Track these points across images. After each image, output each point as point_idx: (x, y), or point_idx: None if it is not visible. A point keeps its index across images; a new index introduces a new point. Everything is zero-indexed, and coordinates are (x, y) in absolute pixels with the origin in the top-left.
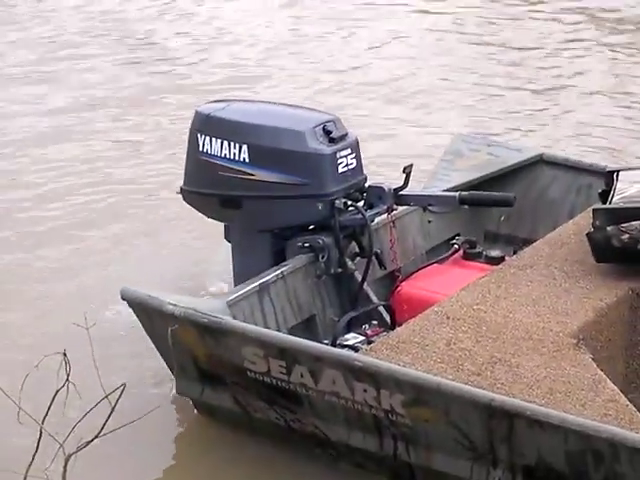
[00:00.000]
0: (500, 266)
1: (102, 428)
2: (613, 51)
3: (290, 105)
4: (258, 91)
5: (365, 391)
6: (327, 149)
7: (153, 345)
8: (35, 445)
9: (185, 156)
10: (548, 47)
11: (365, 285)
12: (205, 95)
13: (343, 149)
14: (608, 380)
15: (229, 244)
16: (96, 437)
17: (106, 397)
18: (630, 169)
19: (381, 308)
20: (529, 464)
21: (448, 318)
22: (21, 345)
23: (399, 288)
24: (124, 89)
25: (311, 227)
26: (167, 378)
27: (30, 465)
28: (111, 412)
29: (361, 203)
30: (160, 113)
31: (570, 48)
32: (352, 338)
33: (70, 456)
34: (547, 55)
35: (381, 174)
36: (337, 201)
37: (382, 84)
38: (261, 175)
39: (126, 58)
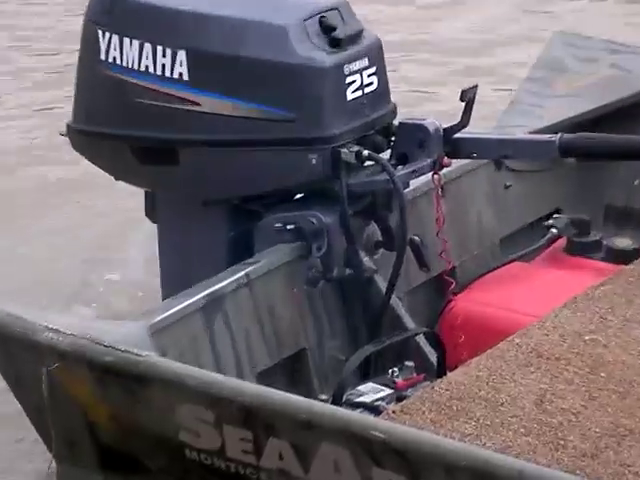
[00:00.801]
0: (631, 266)
1: None
2: None
3: None
4: None
5: None
6: (327, 58)
7: (18, 402)
8: None
9: (76, 72)
10: None
11: (393, 298)
12: None
13: (355, 59)
14: None
15: (153, 226)
16: None
17: None
18: None
19: (421, 338)
20: None
21: (540, 357)
22: None
23: (452, 304)
24: None
25: (298, 196)
26: (42, 458)
27: None
28: None
29: (387, 154)
30: None
31: None
32: (370, 391)
33: None
34: None
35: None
36: (344, 150)
37: None
38: (211, 104)
39: None
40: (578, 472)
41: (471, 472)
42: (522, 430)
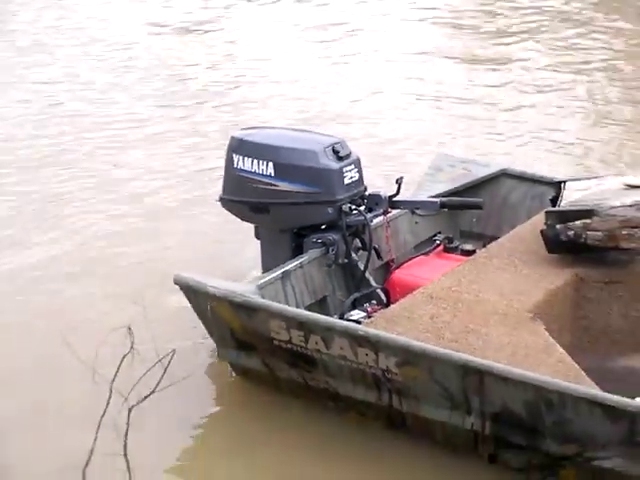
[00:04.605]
0: (472, 257)
1: (157, 385)
2: None
3: (304, 130)
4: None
5: (367, 355)
6: (336, 165)
7: (199, 320)
8: (106, 400)
9: (223, 172)
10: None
11: (366, 272)
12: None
13: (348, 165)
14: (558, 345)
15: (259, 241)
16: (152, 392)
17: (159, 361)
18: (573, 180)
19: (379, 291)
20: (496, 411)
21: (432, 298)
22: (94, 321)
23: (393, 275)
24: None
25: (323, 227)
26: (210, 346)
27: (103, 415)
28: (164, 373)
29: (362, 207)
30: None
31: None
32: (356, 314)
33: (132, 408)
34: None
35: (377, 184)
36: (344, 206)
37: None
38: (284, 186)
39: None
40: (449, 348)
41: (401, 349)
42: (424, 330)
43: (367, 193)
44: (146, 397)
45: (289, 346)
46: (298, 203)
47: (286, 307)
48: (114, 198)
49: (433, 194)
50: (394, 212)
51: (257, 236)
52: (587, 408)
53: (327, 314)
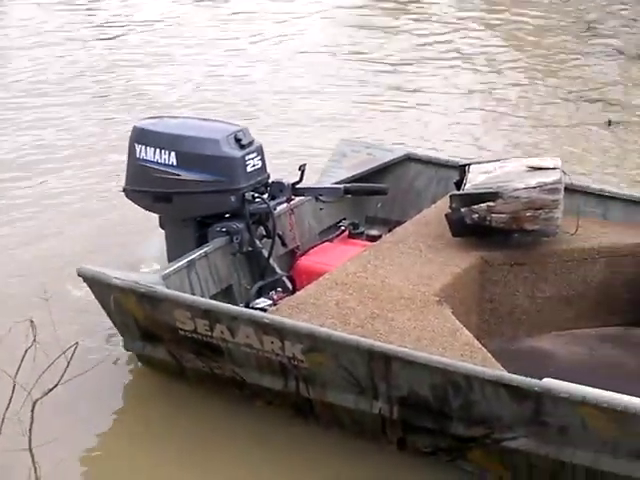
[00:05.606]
0: (378, 242)
1: (61, 378)
2: None
3: (207, 119)
4: None
5: (272, 342)
6: (238, 153)
7: (104, 311)
8: (10, 395)
9: (126, 162)
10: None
11: (271, 260)
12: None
13: (250, 153)
14: (464, 328)
15: (163, 231)
16: (56, 386)
17: (63, 353)
18: (477, 163)
19: (284, 278)
20: (403, 396)
21: (337, 284)
22: None
23: (298, 262)
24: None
25: (227, 215)
26: (116, 337)
27: (6, 410)
28: (67, 365)
29: (266, 195)
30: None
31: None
32: (261, 302)
33: (36, 402)
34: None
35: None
36: (247, 194)
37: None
38: (186, 175)
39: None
40: (355, 334)
41: (307, 336)
42: (330, 317)
43: (270, 181)
44: (50, 390)
45: (195, 336)
46: (201, 192)
47: (191, 296)
48: (17, 187)
49: (337, 180)
50: (298, 199)
51: (162, 226)
52: (493, 390)
53: (233, 303)
